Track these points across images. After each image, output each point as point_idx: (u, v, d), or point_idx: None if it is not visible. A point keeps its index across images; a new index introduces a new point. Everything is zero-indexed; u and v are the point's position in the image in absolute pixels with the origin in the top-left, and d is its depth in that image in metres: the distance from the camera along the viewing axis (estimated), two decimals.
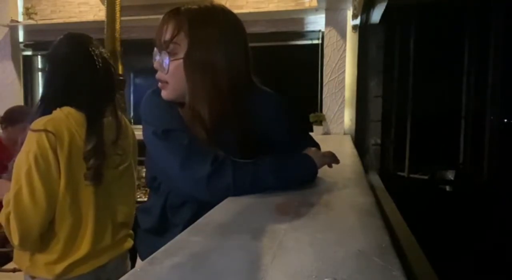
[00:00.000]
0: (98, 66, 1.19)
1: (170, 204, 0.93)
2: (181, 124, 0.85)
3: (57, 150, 1.09)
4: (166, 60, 0.85)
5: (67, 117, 1.13)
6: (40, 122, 1.10)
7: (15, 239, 1.06)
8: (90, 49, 1.20)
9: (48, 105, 1.16)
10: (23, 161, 1.07)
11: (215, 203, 0.75)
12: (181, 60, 0.84)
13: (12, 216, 1.06)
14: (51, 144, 1.07)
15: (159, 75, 0.88)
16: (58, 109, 1.15)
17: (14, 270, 2.16)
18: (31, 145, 1.07)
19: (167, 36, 0.84)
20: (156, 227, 0.96)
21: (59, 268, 1.13)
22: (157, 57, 0.87)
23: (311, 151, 0.93)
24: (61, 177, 1.10)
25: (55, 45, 1.22)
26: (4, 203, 1.12)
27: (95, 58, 1.20)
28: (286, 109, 1.00)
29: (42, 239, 1.12)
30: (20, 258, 1.18)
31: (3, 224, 1.09)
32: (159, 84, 0.89)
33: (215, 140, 0.85)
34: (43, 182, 1.07)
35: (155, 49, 0.88)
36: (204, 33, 0.84)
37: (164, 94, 0.88)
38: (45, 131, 1.08)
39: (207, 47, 0.84)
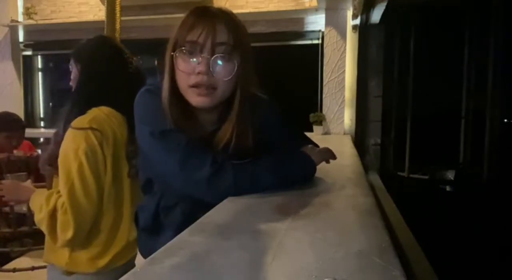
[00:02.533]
0: (130, 68, 1.26)
1: (163, 204, 0.92)
2: (178, 125, 0.84)
3: (103, 147, 1.14)
4: (228, 64, 0.81)
5: (108, 116, 1.17)
6: (83, 121, 1.14)
7: (68, 234, 1.09)
8: (122, 51, 1.26)
9: (84, 105, 1.19)
10: (71, 159, 1.11)
11: (209, 204, 0.75)
12: (236, 66, 0.82)
13: (68, 211, 1.09)
14: (98, 141, 1.13)
15: (206, 80, 0.80)
16: (95, 108, 1.18)
17: (14, 270, 2.16)
18: (79, 142, 1.11)
19: (226, 39, 0.80)
20: (151, 227, 0.96)
21: (103, 261, 1.18)
22: (198, 59, 0.80)
23: (308, 148, 0.93)
24: (107, 172, 1.16)
25: (89, 45, 1.25)
26: (39, 204, 1.14)
27: (127, 60, 1.26)
28: (279, 114, 1.01)
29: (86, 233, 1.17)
30: (56, 255, 1.19)
31: (45, 223, 1.11)
32: (200, 90, 0.81)
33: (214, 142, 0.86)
34: (94, 177, 1.12)
35: (187, 50, 0.81)
36: (248, 39, 0.87)
37: (208, 101, 0.82)
38: (91, 128, 1.12)
39: (251, 53, 0.86)
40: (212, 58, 0.80)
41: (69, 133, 1.13)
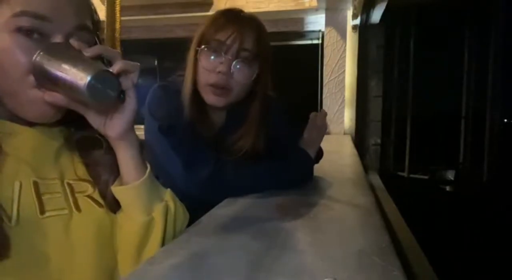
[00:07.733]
0: None
1: None
2: (187, 121, 0.84)
3: None
4: (248, 70, 0.84)
5: None
6: None
7: None
8: None
9: None
10: None
11: (212, 203, 0.75)
12: (255, 73, 0.85)
13: None
14: None
15: (223, 81, 0.83)
16: None
17: None
18: None
19: (251, 46, 0.83)
20: None
21: None
22: (221, 59, 0.83)
23: (303, 141, 0.94)
24: None
25: None
26: None
27: None
28: (286, 113, 1.01)
29: None
30: None
31: None
32: (217, 90, 0.84)
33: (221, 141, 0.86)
34: None
35: (212, 48, 0.83)
36: (270, 49, 0.89)
37: (222, 100, 0.85)
38: None
39: (271, 62, 0.89)
40: (235, 61, 0.83)
41: None
